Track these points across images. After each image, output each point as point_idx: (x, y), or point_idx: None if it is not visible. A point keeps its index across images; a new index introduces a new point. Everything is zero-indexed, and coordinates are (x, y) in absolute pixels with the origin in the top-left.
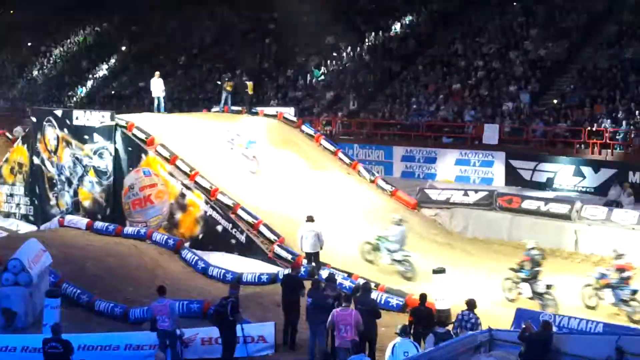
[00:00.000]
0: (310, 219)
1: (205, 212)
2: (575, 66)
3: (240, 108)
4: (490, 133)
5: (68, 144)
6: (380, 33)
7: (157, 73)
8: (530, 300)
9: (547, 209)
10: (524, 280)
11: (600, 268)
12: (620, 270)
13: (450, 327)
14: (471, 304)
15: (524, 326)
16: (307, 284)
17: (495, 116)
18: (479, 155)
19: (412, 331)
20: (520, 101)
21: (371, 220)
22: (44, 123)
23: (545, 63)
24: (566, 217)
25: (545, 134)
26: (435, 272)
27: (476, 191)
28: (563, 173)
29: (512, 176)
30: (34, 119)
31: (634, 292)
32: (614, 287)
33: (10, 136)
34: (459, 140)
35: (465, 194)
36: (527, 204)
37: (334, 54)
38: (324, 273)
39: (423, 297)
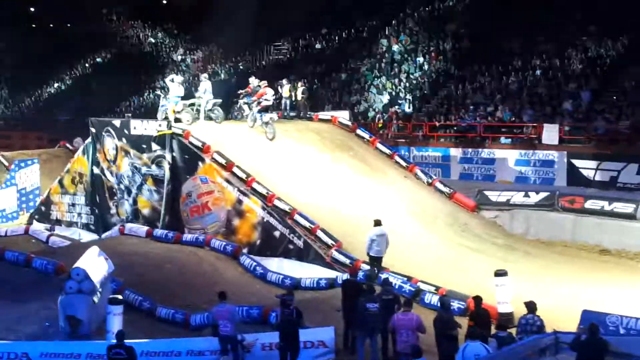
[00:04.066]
0: (378, 223)
1: (263, 218)
2: (637, 62)
3: (293, 113)
4: (550, 132)
5: (126, 153)
6: (433, 34)
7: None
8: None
9: (611, 208)
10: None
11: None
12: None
13: (513, 330)
14: (531, 307)
15: (577, 333)
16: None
17: (554, 115)
18: (539, 156)
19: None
20: (580, 99)
21: (430, 223)
22: (103, 133)
23: (604, 60)
24: (631, 217)
25: (606, 132)
26: (497, 274)
27: (537, 192)
28: (627, 171)
29: (574, 176)
30: (93, 130)
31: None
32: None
33: (70, 147)
34: (518, 141)
35: (526, 195)
36: (590, 204)
37: (386, 55)
38: (384, 277)
39: (479, 299)
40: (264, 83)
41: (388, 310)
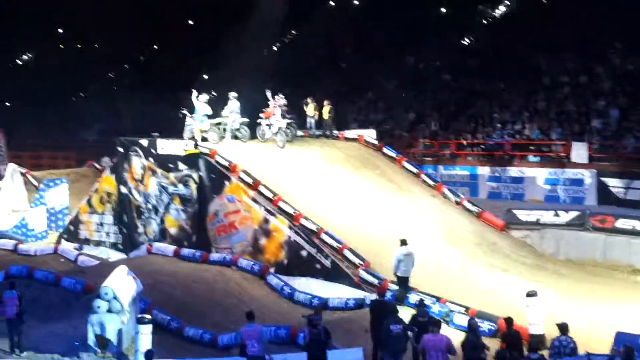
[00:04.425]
0: (404, 242)
1: (289, 237)
2: None
3: (319, 132)
4: (579, 151)
5: (154, 172)
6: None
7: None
8: None
9: None
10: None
11: None
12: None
13: (545, 352)
14: (564, 328)
15: (610, 355)
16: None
17: (583, 133)
18: (569, 174)
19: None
20: (609, 117)
21: (458, 243)
22: (130, 153)
23: (634, 76)
24: None
25: (636, 150)
26: (528, 295)
27: (567, 211)
28: None
29: (605, 195)
30: (120, 149)
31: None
32: None
33: (98, 166)
34: (547, 159)
35: (556, 214)
36: (621, 223)
37: (414, 73)
38: (413, 297)
39: (510, 320)
40: (273, 103)
41: (423, 332)
